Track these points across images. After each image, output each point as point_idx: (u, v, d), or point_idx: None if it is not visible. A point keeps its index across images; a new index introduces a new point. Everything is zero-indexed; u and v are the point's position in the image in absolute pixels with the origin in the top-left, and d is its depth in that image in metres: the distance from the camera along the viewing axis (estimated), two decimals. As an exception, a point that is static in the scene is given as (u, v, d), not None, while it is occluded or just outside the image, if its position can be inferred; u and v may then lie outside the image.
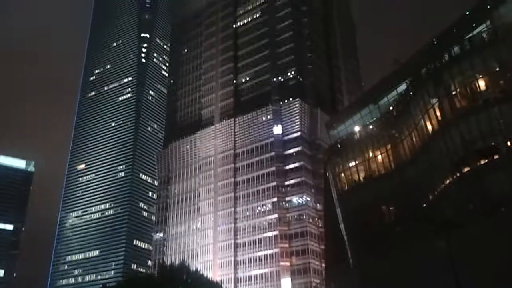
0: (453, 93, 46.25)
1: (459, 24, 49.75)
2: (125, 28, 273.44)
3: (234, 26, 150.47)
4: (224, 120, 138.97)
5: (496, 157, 42.28)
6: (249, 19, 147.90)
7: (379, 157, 55.35)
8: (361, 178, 57.36)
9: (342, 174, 59.49)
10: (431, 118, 47.70)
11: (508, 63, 44.09)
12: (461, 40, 47.65)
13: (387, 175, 54.37)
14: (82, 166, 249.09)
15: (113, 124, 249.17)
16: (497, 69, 44.61)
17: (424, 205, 49.29)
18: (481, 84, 45.14)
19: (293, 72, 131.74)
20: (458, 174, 44.66)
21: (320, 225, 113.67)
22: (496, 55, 44.56)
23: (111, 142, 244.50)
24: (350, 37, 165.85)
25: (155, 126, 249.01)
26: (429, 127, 48.17)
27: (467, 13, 49.77)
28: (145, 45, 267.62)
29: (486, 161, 42.91)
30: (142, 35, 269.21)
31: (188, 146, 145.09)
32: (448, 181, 45.79)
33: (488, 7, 47.37)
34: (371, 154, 56.31)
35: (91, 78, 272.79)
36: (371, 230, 54.60)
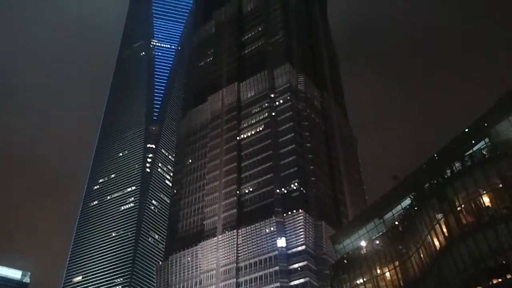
0: (458, 209, 46.09)
1: (459, 141, 51.07)
2: (132, 139, 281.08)
3: (238, 138, 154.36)
4: (226, 232, 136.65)
5: (508, 276, 40.96)
6: (253, 132, 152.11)
7: (387, 274, 53.60)
8: (369, 297, 55.00)
9: (350, 292, 57.13)
10: (438, 234, 47.03)
11: (510, 179, 44.43)
12: (462, 156, 48.52)
13: (396, 293, 52.27)
14: (79, 278, 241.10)
15: (113, 234, 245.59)
16: (500, 185, 44.84)
17: (437, 327, 46.78)
18: (486, 200, 45.12)
19: (296, 184, 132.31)
20: (470, 294, 42.95)
21: None
22: (498, 171, 45.08)
23: (111, 252, 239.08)
24: (351, 151, 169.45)
25: (156, 236, 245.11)
26: (436, 243, 47.31)
27: (466, 130, 51.29)
28: (150, 155, 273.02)
29: (498, 280, 41.49)
30: (148, 145, 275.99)
31: (189, 258, 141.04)
32: (460, 301, 43.89)
33: (486, 124, 48.91)
34: (378, 271, 54.58)
35: (95, 187, 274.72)
36: None
